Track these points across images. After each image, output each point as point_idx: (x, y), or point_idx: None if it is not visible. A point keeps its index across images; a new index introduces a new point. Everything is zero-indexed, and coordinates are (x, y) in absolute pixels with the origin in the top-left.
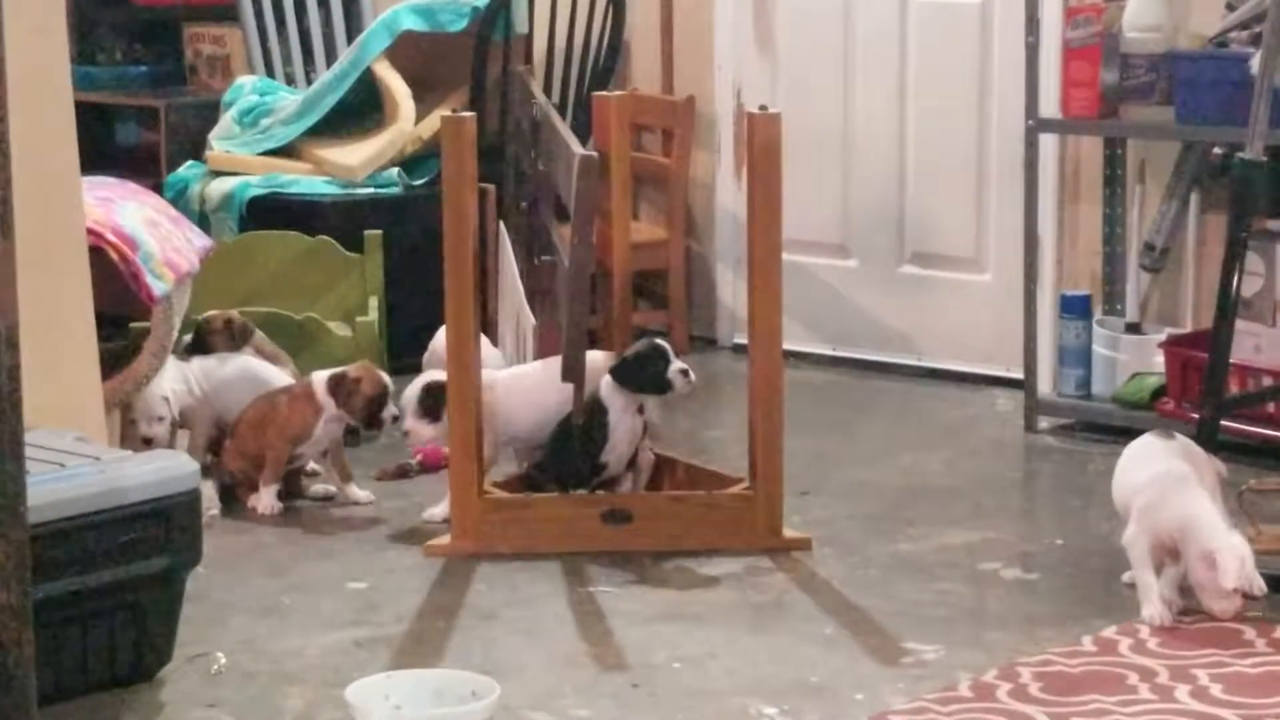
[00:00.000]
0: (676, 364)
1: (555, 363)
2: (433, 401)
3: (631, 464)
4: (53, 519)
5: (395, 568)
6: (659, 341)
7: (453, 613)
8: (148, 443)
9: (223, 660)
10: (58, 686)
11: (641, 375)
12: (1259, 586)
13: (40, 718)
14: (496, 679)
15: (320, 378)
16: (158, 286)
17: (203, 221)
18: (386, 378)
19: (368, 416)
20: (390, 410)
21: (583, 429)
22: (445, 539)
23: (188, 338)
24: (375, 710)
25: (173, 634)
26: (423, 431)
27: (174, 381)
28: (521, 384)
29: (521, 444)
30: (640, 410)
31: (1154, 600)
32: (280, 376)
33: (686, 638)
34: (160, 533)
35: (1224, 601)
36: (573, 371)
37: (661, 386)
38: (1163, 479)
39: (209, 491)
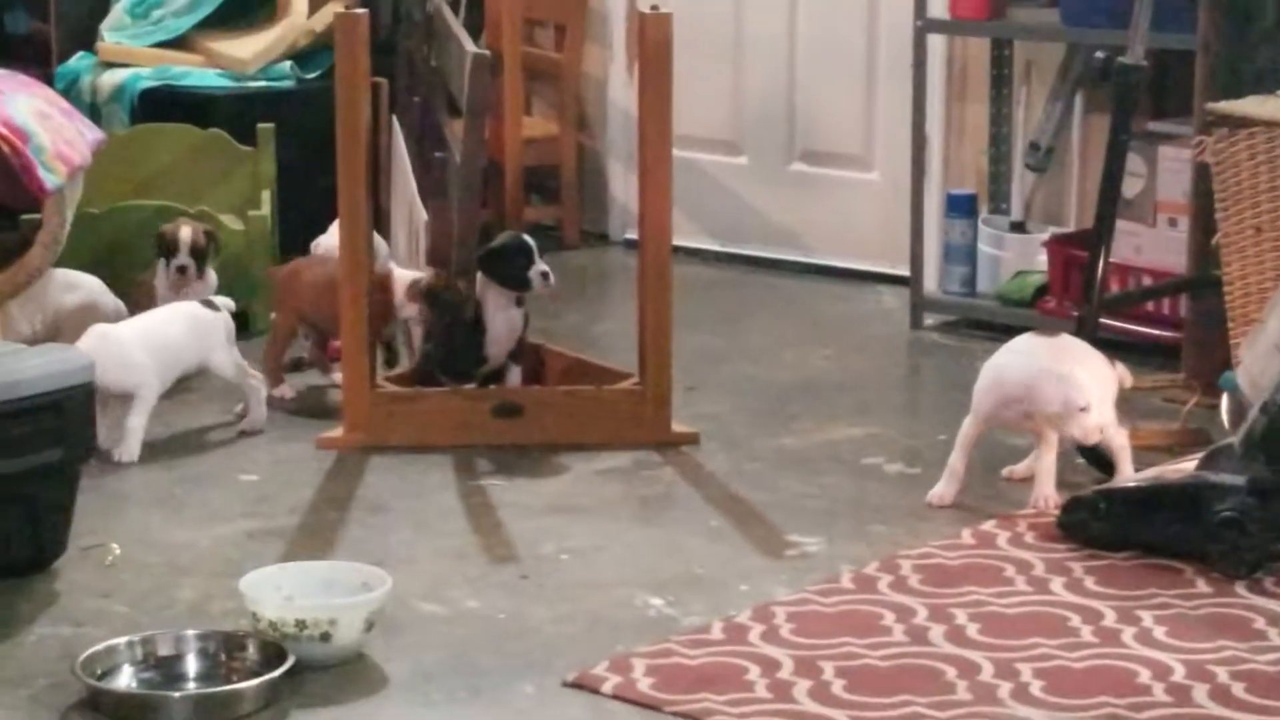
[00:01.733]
0: (539, 265)
1: (176, 307)
2: None
3: (515, 356)
4: None
5: (287, 460)
6: (525, 237)
7: (344, 505)
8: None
9: (117, 551)
10: None
11: (502, 268)
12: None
13: None
14: (388, 570)
15: (403, 277)
16: (50, 179)
17: (94, 113)
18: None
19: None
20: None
21: (464, 322)
22: (338, 432)
23: None
24: (268, 601)
25: (67, 525)
26: None
27: None
28: (150, 332)
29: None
30: (519, 303)
31: (949, 479)
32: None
33: (574, 530)
34: (54, 425)
35: (1080, 424)
36: (464, 268)
37: (520, 283)
38: (1002, 356)
39: None
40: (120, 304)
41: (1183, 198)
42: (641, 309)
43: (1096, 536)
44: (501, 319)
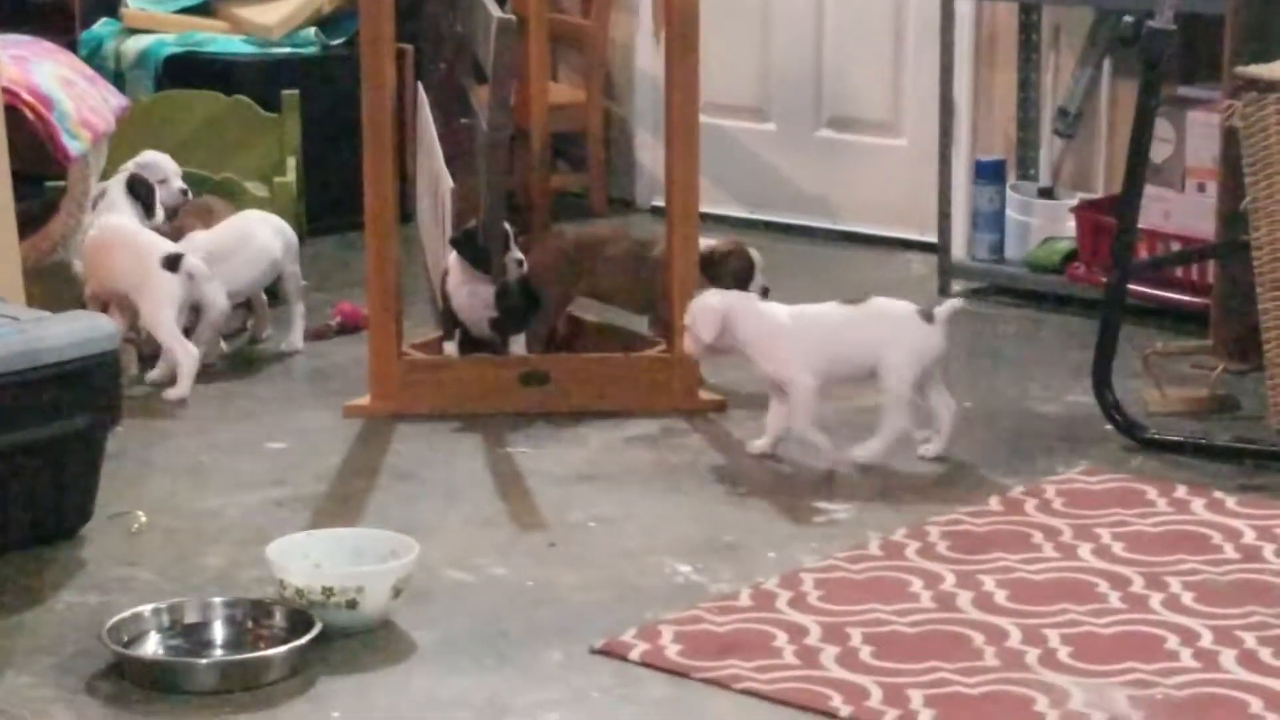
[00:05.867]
0: (514, 252)
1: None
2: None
3: (511, 329)
4: None
5: (314, 428)
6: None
7: (372, 473)
8: None
9: (143, 519)
10: None
11: (475, 249)
12: None
13: None
14: (415, 538)
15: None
16: (74, 146)
17: (118, 80)
18: (756, 254)
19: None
20: (759, 282)
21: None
22: (364, 399)
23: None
24: (295, 568)
25: (93, 493)
26: None
27: None
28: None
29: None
30: (503, 273)
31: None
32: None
33: (603, 497)
34: (80, 392)
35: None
36: (492, 233)
37: (488, 267)
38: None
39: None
40: None
41: (1211, 163)
42: (669, 276)
43: None
44: (464, 292)
